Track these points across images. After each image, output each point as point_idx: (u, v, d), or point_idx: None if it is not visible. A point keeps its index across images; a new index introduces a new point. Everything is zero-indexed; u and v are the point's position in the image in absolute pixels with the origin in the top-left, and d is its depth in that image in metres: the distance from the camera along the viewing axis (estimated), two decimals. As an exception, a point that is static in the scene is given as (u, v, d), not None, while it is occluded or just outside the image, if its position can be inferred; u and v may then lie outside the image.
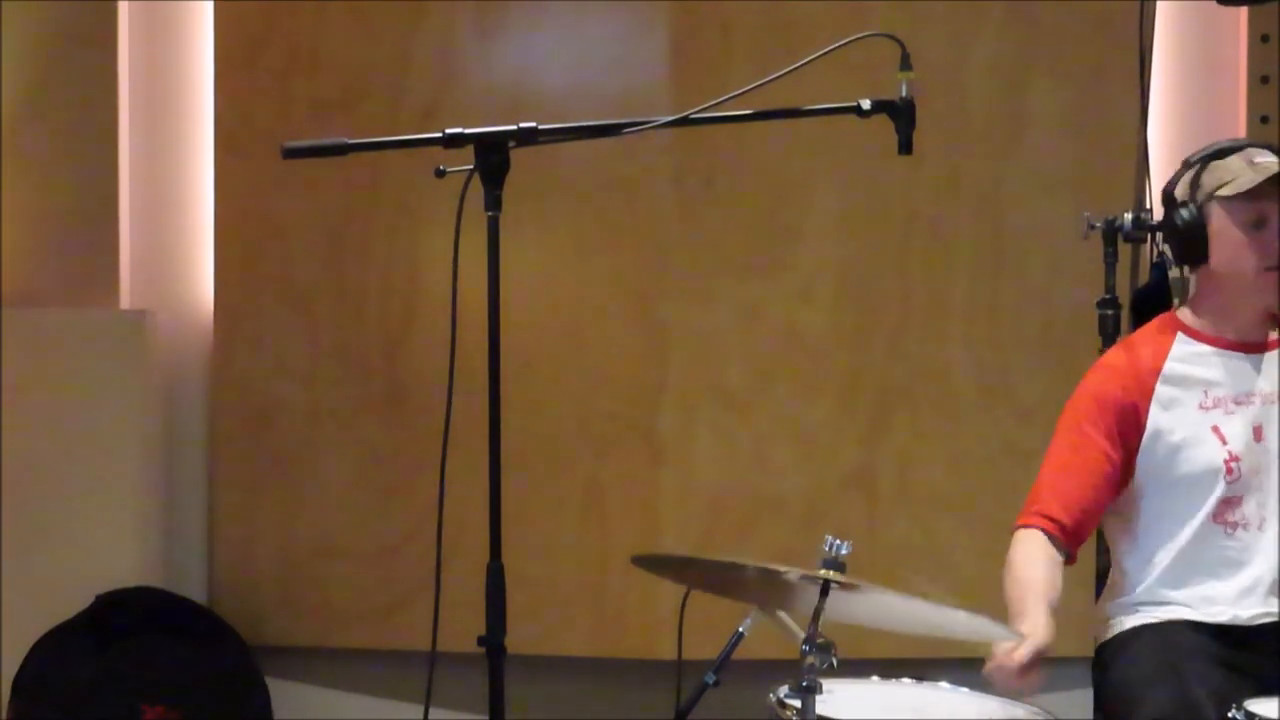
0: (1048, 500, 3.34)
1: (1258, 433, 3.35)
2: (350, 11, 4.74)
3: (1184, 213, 3.37)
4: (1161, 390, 3.37)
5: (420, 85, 4.71)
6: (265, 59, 4.77)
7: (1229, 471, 3.33)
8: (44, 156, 4.76)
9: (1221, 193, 3.34)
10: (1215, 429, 3.35)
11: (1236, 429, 3.35)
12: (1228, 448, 3.33)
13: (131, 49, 4.84)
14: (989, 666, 3.10)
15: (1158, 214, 3.66)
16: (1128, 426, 3.35)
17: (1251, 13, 4.65)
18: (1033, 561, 3.29)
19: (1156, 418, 3.35)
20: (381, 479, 4.73)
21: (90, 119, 4.77)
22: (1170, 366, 3.38)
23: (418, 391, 4.67)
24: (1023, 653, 3.07)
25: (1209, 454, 3.34)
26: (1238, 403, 3.37)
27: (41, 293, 4.75)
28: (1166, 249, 3.68)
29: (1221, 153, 3.40)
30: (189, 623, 4.67)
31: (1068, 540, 3.33)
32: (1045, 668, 3.15)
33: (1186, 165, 3.43)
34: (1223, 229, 3.35)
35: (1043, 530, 3.32)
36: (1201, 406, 3.36)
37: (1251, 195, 3.31)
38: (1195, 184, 3.38)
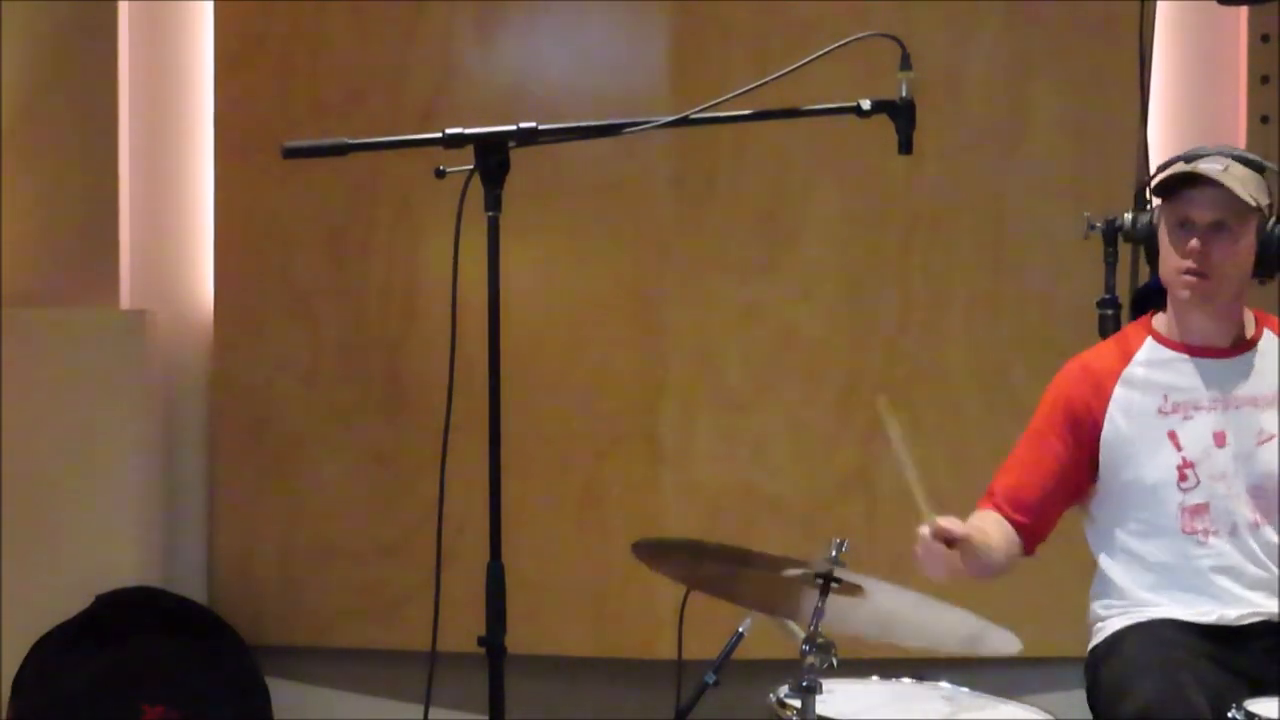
0: (997, 494, 3.40)
1: (1219, 438, 3.34)
2: (350, 11, 4.74)
3: (1144, 217, 3.47)
4: (1119, 393, 3.38)
5: (420, 85, 4.71)
6: (265, 59, 4.77)
7: (1182, 478, 3.33)
8: (44, 156, 4.76)
9: (1157, 197, 3.39)
10: (1171, 434, 3.35)
11: (1194, 435, 3.34)
12: (1182, 453, 3.34)
13: (131, 49, 4.84)
14: (916, 550, 3.13)
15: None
16: (1082, 429, 3.38)
17: (1251, 13, 4.65)
18: (990, 521, 3.35)
19: (1112, 420, 3.37)
20: (381, 479, 4.73)
21: (90, 119, 4.77)
22: (1131, 370, 3.40)
23: (418, 391, 4.67)
24: (934, 524, 3.09)
25: (1161, 460, 3.34)
26: (1199, 408, 3.36)
27: (41, 293, 4.75)
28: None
29: (1181, 159, 3.42)
30: (189, 623, 4.67)
31: (1020, 534, 3.36)
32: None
33: (1161, 168, 3.47)
34: (1161, 232, 3.39)
35: (998, 512, 3.37)
36: (1160, 411, 3.36)
37: (1179, 196, 3.34)
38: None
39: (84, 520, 4.67)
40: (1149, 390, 3.38)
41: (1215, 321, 3.40)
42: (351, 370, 4.77)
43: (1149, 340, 3.43)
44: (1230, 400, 3.36)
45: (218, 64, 4.80)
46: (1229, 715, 2.95)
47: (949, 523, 3.12)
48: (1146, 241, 3.49)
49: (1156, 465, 3.34)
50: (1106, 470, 3.38)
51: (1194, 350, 3.40)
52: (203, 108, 4.84)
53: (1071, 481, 3.39)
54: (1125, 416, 3.37)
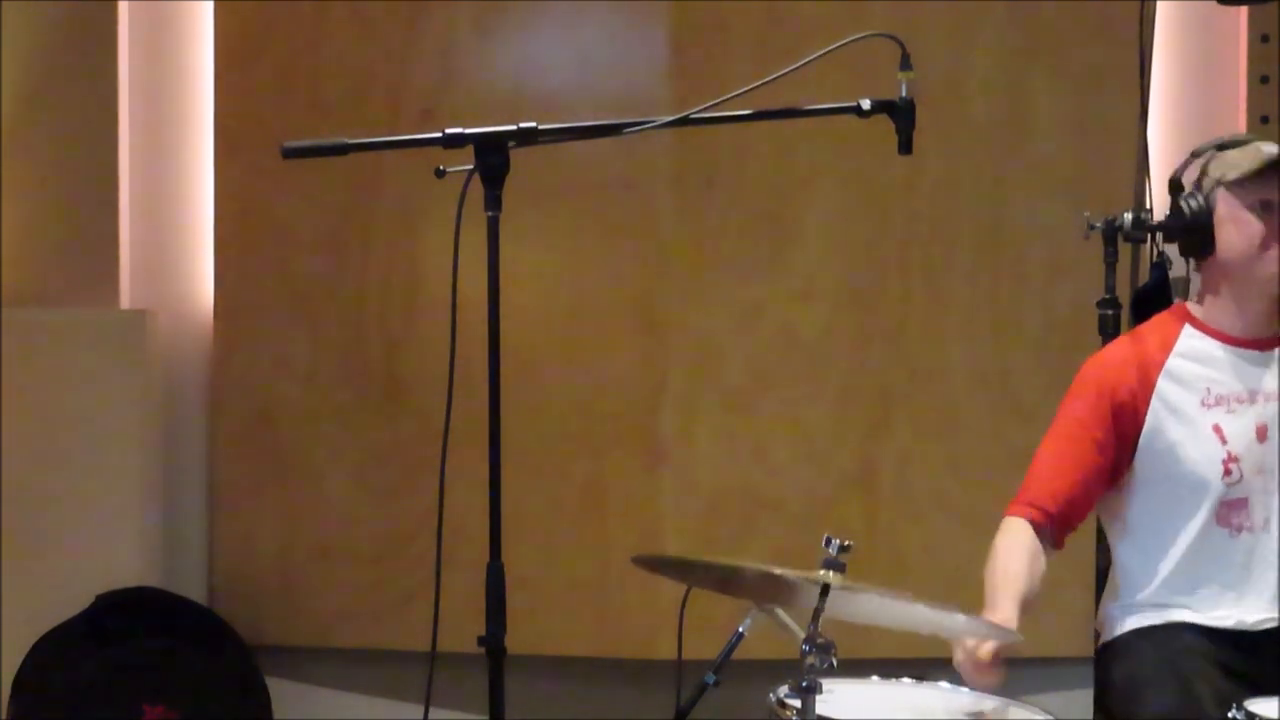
0: (1035, 488, 3.35)
1: (1261, 432, 3.32)
2: (350, 11, 4.74)
3: (1191, 202, 3.38)
4: (1163, 385, 3.35)
5: (420, 85, 4.72)
6: (265, 59, 4.77)
7: (1227, 472, 3.31)
8: (44, 156, 4.76)
9: (1228, 178, 3.33)
10: (1216, 428, 3.33)
11: (1238, 428, 3.32)
12: (1227, 447, 3.31)
13: (131, 49, 4.84)
14: (957, 659, 3.08)
15: (1158, 214, 3.66)
16: (1124, 420, 3.35)
17: (1251, 13, 4.65)
18: (1013, 552, 3.29)
19: (1156, 413, 3.34)
20: (381, 479, 4.73)
21: (90, 119, 4.77)
22: (1174, 361, 3.37)
23: (418, 391, 4.67)
24: (987, 649, 3.04)
25: (1207, 453, 3.32)
26: (1241, 401, 3.34)
27: (41, 293, 4.75)
28: (1167, 249, 3.68)
29: (1227, 145, 3.40)
30: (189, 623, 4.67)
31: (1054, 528, 3.34)
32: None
33: (1194, 155, 3.43)
34: (1228, 214, 3.34)
35: (1029, 520, 3.33)
36: (1203, 404, 3.34)
37: (1257, 181, 3.31)
38: (1202, 173, 3.39)
39: (84, 520, 4.66)
40: (1192, 382, 3.35)
41: (1269, 312, 3.37)
42: (351, 370, 4.77)
43: (1187, 329, 3.40)
44: (1273, 394, 3.34)
45: (218, 64, 4.80)
46: (1229, 715, 2.94)
47: (989, 646, 3.08)
48: (1197, 226, 3.38)
49: (1202, 458, 3.31)
50: (1146, 462, 3.35)
51: (1235, 341, 3.38)
52: (203, 108, 4.83)
53: (1108, 472, 3.36)
54: (1169, 409, 3.34)
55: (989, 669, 3.05)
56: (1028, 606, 3.21)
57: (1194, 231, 3.38)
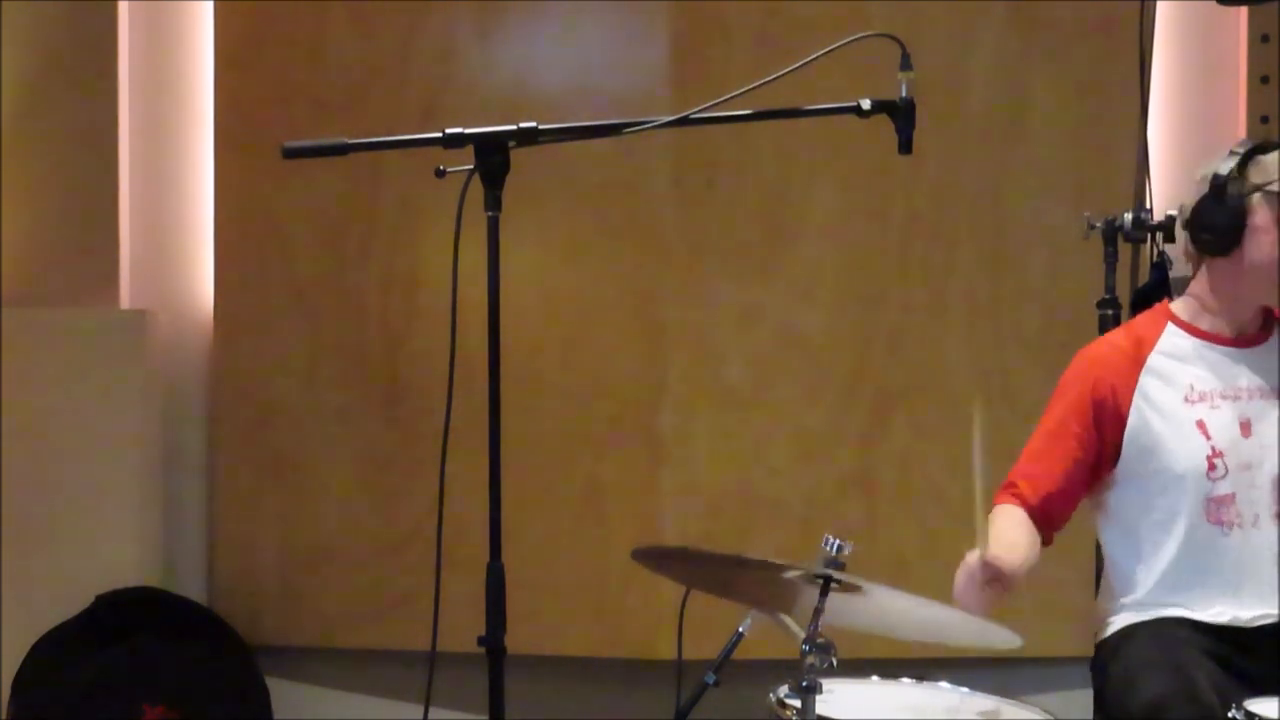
0: (1019, 483, 3.38)
1: (1245, 428, 3.34)
2: (350, 11, 4.75)
3: (1230, 200, 3.31)
4: (1145, 381, 3.36)
5: (420, 85, 4.72)
6: (265, 59, 4.77)
7: (1211, 467, 3.32)
8: (44, 156, 4.76)
9: (1272, 188, 3.30)
10: (1200, 423, 3.33)
11: (1222, 424, 3.33)
12: (1211, 443, 3.33)
13: (131, 49, 4.84)
14: (958, 579, 3.09)
15: (1158, 214, 3.66)
16: (1105, 416, 3.35)
17: (1251, 13, 4.65)
18: (1013, 522, 3.32)
19: (1139, 409, 3.35)
20: (381, 479, 4.73)
21: (90, 119, 4.77)
22: (1155, 358, 3.38)
23: (418, 391, 4.67)
24: (978, 560, 3.06)
25: (1191, 448, 3.33)
26: (1224, 397, 3.35)
27: (41, 293, 4.75)
28: (1167, 249, 3.68)
29: (1266, 148, 3.36)
30: (189, 623, 4.67)
31: (1040, 523, 3.35)
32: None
33: (1230, 154, 3.36)
34: (1265, 224, 3.31)
35: (1019, 506, 3.35)
36: (1186, 400, 3.35)
37: None
38: (1240, 175, 3.32)
39: (84, 520, 4.66)
40: (1174, 378, 3.36)
41: (1259, 315, 3.39)
42: (351, 370, 4.77)
43: (1170, 327, 3.40)
44: (1254, 390, 3.35)
45: (218, 64, 4.80)
46: (1229, 715, 2.94)
47: (1002, 560, 3.10)
48: (1229, 225, 3.31)
49: (1186, 454, 3.32)
50: (1131, 459, 3.36)
51: (1217, 339, 3.38)
52: (203, 108, 4.84)
53: (1091, 470, 3.37)
54: (1152, 406, 3.35)
55: (978, 587, 3.05)
56: (1016, 583, 3.21)
57: (1223, 229, 3.32)
